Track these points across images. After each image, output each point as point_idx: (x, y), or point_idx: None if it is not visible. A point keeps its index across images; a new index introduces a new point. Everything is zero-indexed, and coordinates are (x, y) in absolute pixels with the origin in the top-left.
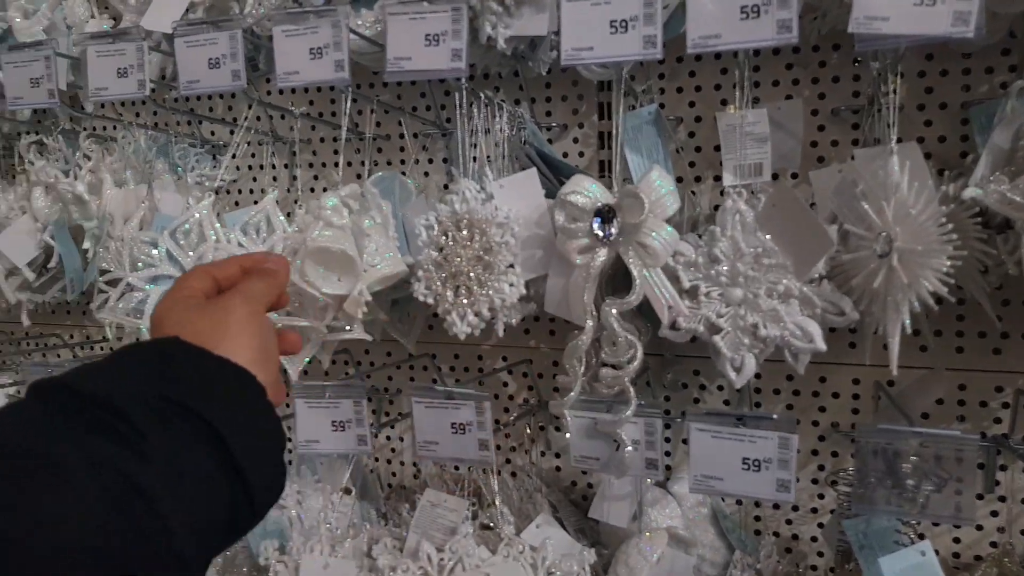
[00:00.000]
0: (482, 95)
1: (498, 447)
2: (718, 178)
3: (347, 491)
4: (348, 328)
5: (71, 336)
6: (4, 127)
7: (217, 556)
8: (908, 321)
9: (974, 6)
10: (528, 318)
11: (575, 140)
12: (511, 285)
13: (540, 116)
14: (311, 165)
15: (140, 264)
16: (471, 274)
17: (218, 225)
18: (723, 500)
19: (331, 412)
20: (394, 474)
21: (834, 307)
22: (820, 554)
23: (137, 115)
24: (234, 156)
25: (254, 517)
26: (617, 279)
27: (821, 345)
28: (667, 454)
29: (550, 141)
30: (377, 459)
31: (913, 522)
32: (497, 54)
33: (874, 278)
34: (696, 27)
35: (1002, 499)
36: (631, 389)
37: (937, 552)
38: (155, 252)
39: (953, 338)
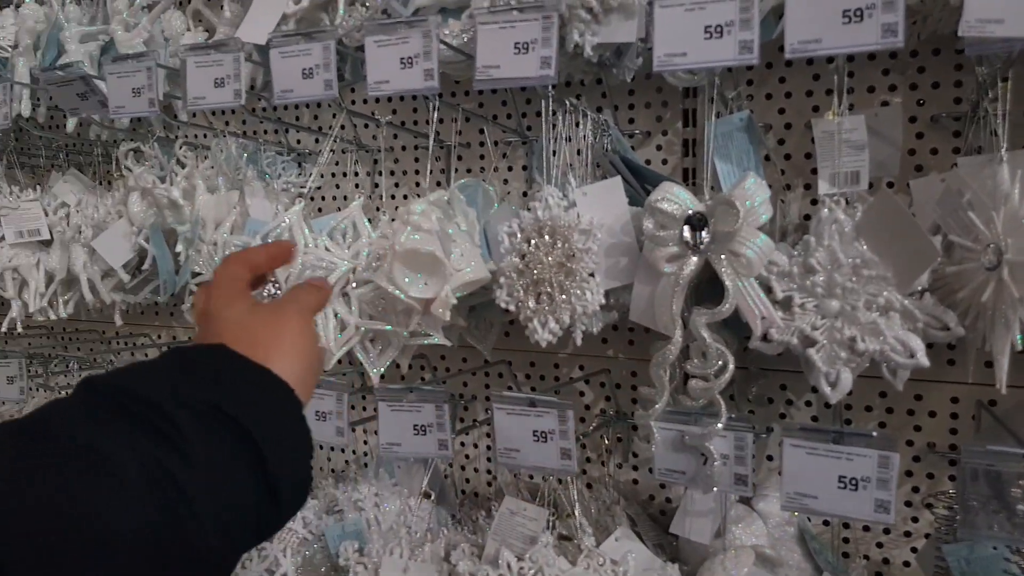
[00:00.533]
0: (567, 102)
1: None
2: (808, 186)
3: (426, 495)
4: (429, 333)
5: (159, 336)
6: (103, 135)
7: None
8: (1020, 337)
9: None
10: (606, 327)
11: (659, 147)
12: (592, 293)
13: (623, 123)
14: (392, 173)
15: None
16: (553, 281)
17: (307, 231)
18: (809, 519)
19: (413, 416)
20: (468, 480)
21: (937, 321)
22: None
23: (227, 123)
24: (322, 163)
25: (280, 517)
26: (701, 288)
27: (924, 361)
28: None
29: (633, 148)
30: (451, 465)
31: None
32: (581, 61)
33: (982, 292)
34: (795, 32)
35: None
36: (721, 401)
37: None
38: None
39: None
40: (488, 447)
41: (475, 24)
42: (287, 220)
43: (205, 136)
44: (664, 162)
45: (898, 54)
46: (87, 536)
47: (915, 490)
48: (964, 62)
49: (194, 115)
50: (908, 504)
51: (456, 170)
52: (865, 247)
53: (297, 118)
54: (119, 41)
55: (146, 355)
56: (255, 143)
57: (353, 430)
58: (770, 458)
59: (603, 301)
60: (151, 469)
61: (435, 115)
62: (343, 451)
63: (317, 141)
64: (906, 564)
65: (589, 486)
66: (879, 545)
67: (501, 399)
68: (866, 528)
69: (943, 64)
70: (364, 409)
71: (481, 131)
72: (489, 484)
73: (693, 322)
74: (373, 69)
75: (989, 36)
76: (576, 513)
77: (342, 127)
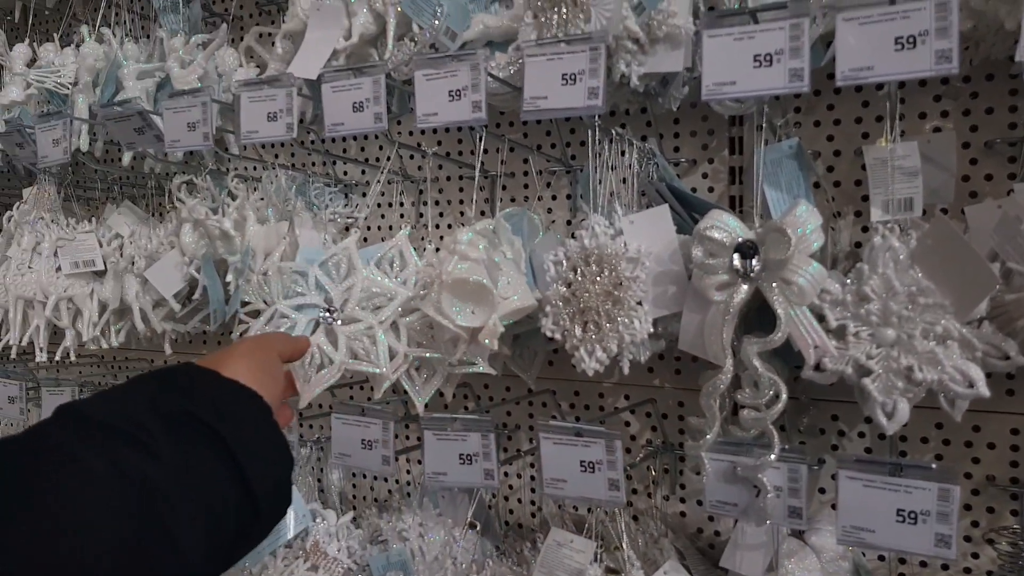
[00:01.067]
0: (613, 131)
1: None
2: (859, 213)
3: (471, 526)
4: (474, 362)
5: None
6: (157, 168)
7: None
8: None
9: None
10: (652, 356)
11: (704, 175)
12: (640, 321)
13: (668, 152)
14: (437, 203)
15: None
16: (600, 310)
17: (362, 259)
18: (864, 554)
19: (459, 445)
20: (511, 511)
21: (996, 350)
22: None
23: (276, 156)
24: (366, 194)
25: (260, 520)
26: (750, 316)
27: (984, 391)
28: None
29: (679, 176)
30: (495, 495)
31: None
32: (627, 91)
33: None
34: (846, 59)
35: None
36: (775, 432)
37: None
38: (304, 282)
39: None
40: (532, 477)
41: (522, 56)
42: (344, 249)
43: (255, 168)
44: (710, 190)
45: (950, 80)
46: (75, 544)
47: (975, 524)
48: (1019, 87)
49: (245, 148)
50: (967, 539)
51: (500, 199)
52: (920, 275)
53: (344, 150)
54: (175, 77)
55: None
56: (304, 175)
57: (397, 459)
58: (822, 490)
59: (651, 329)
60: (122, 470)
61: (481, 146)
62: (386, 480)
63: (363, 172)
64: None
65: (635, 518)
66: None
67: (548, 429)
68: (923, 564)
69: (997, 89)
70: (408, 438)
71: (525, 161)
72: (533, 515)
73: (744, 351)
74: (422, 102)
75: None
76: (624, 545)
77: (388, 158)
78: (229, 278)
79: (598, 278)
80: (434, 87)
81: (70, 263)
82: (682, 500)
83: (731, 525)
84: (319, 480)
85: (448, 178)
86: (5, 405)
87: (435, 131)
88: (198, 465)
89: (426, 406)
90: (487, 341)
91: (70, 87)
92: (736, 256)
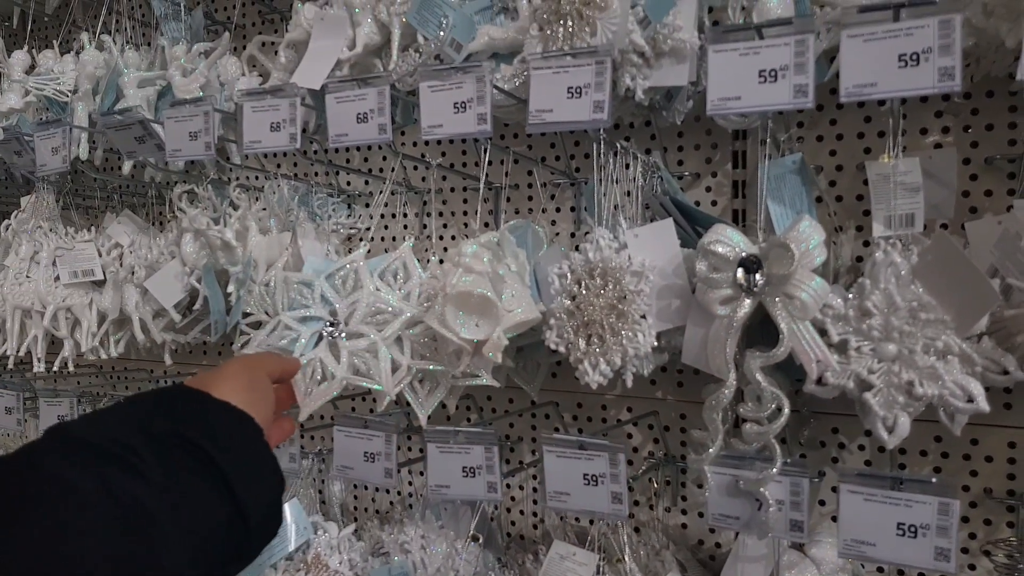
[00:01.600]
0: (618, 145)
1: None
2: (860, 228)
3: (475, 538)
4: (477, 374)
5: None
6: (157, 177)
7: None
8: None
9: None
10: (655, 368)
11: (708, 189)
12: (644, 335)
13: (672, 165)
14: (440, 214)
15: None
16: (604, 323)
17: (371, 273)
18: (863, 566)
19: (462, 458)
20: (513, 523)
21: (996, 365)
22: None
23: (279, 166)
24: (369, 205)
25: (251, 540)
26: (751, 329)
27: (984, 406)
28: None
29: (682, 190)
30: (496, 507)
31: None
32: (631, 104)
33: None
34: (850, 75)
35: None
36: (777, 446)
37: None
38: (309, 294)
39: None
40: (535, 489)
41: (528, 69)
42: (353, 263)
43: (257, 178)
44: (713, 203)
45: (951, 96)
46: (64, 566)
47: (972, 536)
48: (1019, 104)
49: (247, 157)
50: (965, 551)
51: (504, 211)
52: (922, 290)
53: (348, 160)
54: (176, 86)
55: None
56: (306, 185)
57: (399, 471)
58: (822, 503)
59: (655, 343)
60: (113, 492)
61: (486, 157)
62: (388, 491)
63: (367, 183)
64: None
65: (637, 530)
66: None
67: (551, 441)
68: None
69: (997, 106)
70: (410, 450)
71: (529, 173)
72: (535, 527)
73: (747, 366)
74: (427, 113)
75: None
76: (627, 558)
77: (392, 169)
78: (230, 289)
79: (602, 291)
80: (439, 99)
81: (69, 273)
82: (683, 512)
83: (732, 537)
84: (320, 492)
85: (452, 189)
86: (2, 416)
87: (439, 142)
88: (189, 487)
89: (429, 418)
90: (492, 354)
91: (69, 95)
92: (740, 271)
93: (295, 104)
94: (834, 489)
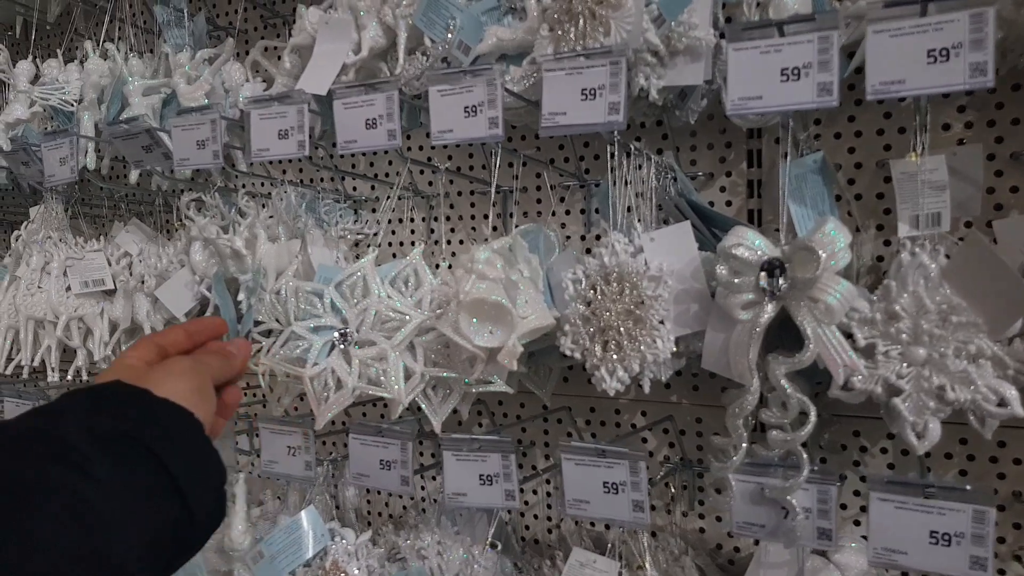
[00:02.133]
0: (632, 146)
1: None
2: (880, 227)
3: (492, 545)
4: (491, 380)
5: None
6: (164, 185)
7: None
8: None
9: None
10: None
11: (722, 189)
12: (663, 341)
13: (685, 165)
14: (448, 218)
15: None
16: (621, 329)
17: (379, 280)
18: (887, 571)
19: (479, 466)
20: (528, 527)
21: None
22: None
23: (284, 172)
24: (376, 210)
25: (196, 534)
26: (771, 332)
27: (1019, 410)
28: None
29: (695, 190)
30: (510, 512)
31: None
32: (644, 104)
33: None
34: (876, 72)
35: None
36: (803, 453)
37: None
38: (319, 303)
39: None
40: (548, 494)
41: (539, 70)
42: (362, 270)
43: (263, 185)
44: (728, 204)
45: (973, 91)
46: (8, 564)
47: (1001, 540)
48: None
49: (252, 164)
50: (994, 556)
51: (513, 215)
52: (950, 292)
53: (353, 165)
54: (181, 94)
55: None
56: (313, 191)
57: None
58: (843, 507)
59: (673, 349)
60: (59, 490)
61: (496, 161)
62: (400, 496)
63: (373, 188)
64: None
65: (654, 534)
66: None
67: (569, 449)
68: None
69: (1023, 100)
70: (422, 455)
71: (539, 175)
72: (549, 531)
73: (772, 372)
74: (437, 118)
75: None
76: (647, 565)
77: (397, 173)
78: (241, 297)
79: (619, 297)
80: (449, 103)
81: (79, 282)
82: (701, 516)
83: (751, 542)
84: (334, 497)
85: (460, 193)
86: None
87: (446, 146)
88: (135, 485)
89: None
90: (507, 362)
91: (75, 104)
92: (763, 275)
93: (303, 111)
94: (856, 493)
